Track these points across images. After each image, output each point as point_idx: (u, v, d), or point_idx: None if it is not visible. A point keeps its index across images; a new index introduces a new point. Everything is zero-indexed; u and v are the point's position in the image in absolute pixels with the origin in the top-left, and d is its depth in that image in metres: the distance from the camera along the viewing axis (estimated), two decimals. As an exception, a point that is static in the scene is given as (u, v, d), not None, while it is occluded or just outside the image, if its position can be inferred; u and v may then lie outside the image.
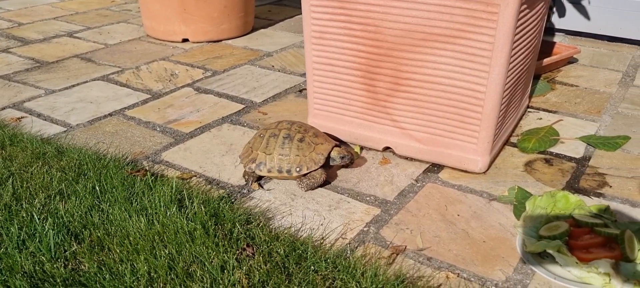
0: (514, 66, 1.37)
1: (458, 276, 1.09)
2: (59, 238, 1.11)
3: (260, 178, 1.41)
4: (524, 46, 1.42)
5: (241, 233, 1.13)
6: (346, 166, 1.48)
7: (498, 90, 1.32)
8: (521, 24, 1.32)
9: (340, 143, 1.54)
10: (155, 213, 1.17)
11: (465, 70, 1.33)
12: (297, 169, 1.34)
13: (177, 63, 2.27)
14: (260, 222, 1.20)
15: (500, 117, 1.40)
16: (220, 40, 2.56)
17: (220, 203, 1.24)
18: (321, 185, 1.38)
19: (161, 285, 0.99)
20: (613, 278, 1.03)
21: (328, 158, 1.39)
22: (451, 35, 1.31)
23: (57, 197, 1.24)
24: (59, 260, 1.06)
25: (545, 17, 1.67)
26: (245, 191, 1.37)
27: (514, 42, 1.30)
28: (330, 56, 1.49)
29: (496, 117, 1.36)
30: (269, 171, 1.36)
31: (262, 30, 2.78)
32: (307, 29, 1.49)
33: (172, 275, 1.01)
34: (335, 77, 1.51)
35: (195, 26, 2.46)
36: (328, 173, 1.40)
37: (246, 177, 1.40)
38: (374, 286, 1.00)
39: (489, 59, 1.29)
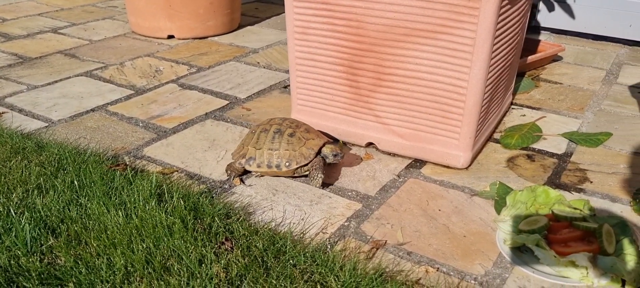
0: (496, 62, 1.38)
1: (437, 270, 1.09)
2: (35, 232, 1.10)
3: (244, 174, 1.40)
4: (506, 42, 1.42)
5: (220, 227, 1.13)
6: (340, 163, 1.46)
7: (480, 85, 1.32)
8: (503, 20, 1.32)
9: (334, 141, 1.51)
10: (134, 207, 1.16)
11: (447, 65, 1.33)
12: (287, 164, 1.33)
13: (161, 59, 2.26)
14: (240, 216, 1.19)
15: (482, 112, 1.40)
16: (206, 37, 2.55)
17: (201, 198, 1.23)
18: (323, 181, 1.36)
19: (138, 279, 0.98)
20: (590, 271, 1.04)
21: (319, 153, 1.37)
22: (433, 30, 1.31)
23: (35, 192, 1.23)
24: (35, 254, 1.05)
25: (528, 14, 1.67)
26: (226, 186, 1.36)
27: (496, 38, 1.30)
28: (312, 52, 1.48)
29: (478, 112, 1.36)
30: (259, 166, 1.34)
31: (249, 27, 2.77)
32: (289, 25, 1.49)
33: (149, 269, 1.00)
34: (318, 72, 1.51)
35: (181, 22, 2.45)
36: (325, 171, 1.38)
37: (229, 172, 1.39)
38: (352, 280, 1.00)
39: (471, 55, 1.29)
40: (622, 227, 1.15)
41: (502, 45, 1.39)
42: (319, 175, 1.34)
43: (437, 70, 1.34)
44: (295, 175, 1.38)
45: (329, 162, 1.39)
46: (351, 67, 1.45)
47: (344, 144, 1.57)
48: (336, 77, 1.48)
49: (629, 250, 1.08)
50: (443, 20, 1.28)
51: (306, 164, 1.34)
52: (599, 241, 1.09)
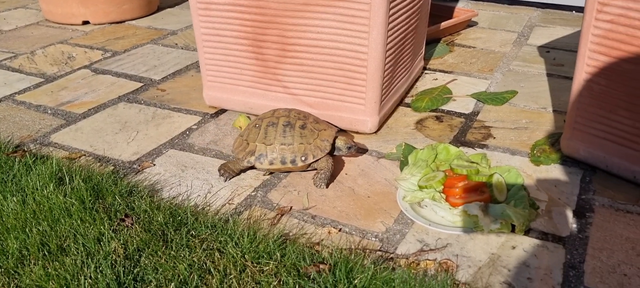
0: (396, 26, 1.41)
1: (340, 231, 1.12)
2: None
3: (239, 173, 1.30)
4: (405, 7, 1.45)
5: (121, 205, 1.12)
6: (354, 156, 1.37)
7: (380, 49, 1.35)
8: (398, -16, 1.35)
9: (340, 130, 1.41)
10: (32, 193, 1.14)
11: (347, 32, 1.35)
12: (303, 158, 1.25)
13: (75, 46, 2.20)
14: (143, 193, 1.19)
15: (386, 77, 1.43)
16: (124, 21, 2.49)
17: (103, 178, 1.22)
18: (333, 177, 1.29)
19: (33, 261, 0.97)
20: (481, 219, 1.08)
21: (333, 145, 1.30)
22: (330, -2, 1.32)
23: None
24: None
25: (432, -21, 1.71)
26: (136, 166, 1.35)
27: (392, 3, 1.33)
28: (217, 27, 1.48)
29: (381, 77, 1.39)
30: (271, 163, 1.25)
31: (169, 9, 2.73)
32: (193, 1, 1.48)
33: (45, 251, 0.99)
34: (224, 47, 1.50)
35: (95, 7, 2.39)
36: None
37: (222, 171, 1.28)
38: (251, 245, 1.01)
39: (368, 20, 1.31)
40: (515, 176, 1.20)
41: (401, 10, 1.42)
42: (325, 181, 1.25)
43: (337, 37, 1.36)
44: (307, 169, 1.30)
45: (341, 155, 1.33)
46: (256, 40, 1.45)
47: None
48: (242, 51, 1.49)
49: (518, 197, 1.14)
50: (339, -13, 1.30)
51: (322, 157, 1.27)
52: (490, 191, 1.14)
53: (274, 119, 1.29)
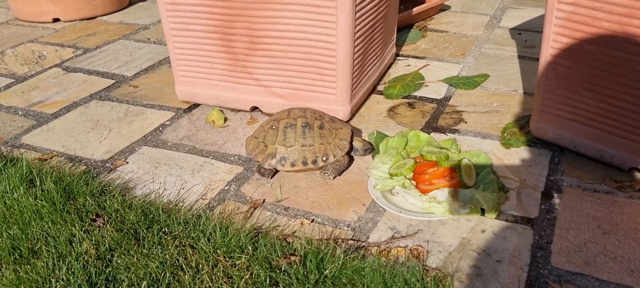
0: (364, 15, 1.41)
1: (312, 221, 1.13)
2: None
3: (276, 171, 1.30)
4: (374, -5, 1.46)
5: (92, 205, 1.12)
6: (366, 155, 1.35)
7: (348, 39, 1.35)
8: (365, -27, 1.35)
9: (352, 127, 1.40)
10: (2, 197, 1.13)
11: (314, 22, 1.35)
12: (324, 158, 1.25)
13: (46, 44, 2.17)
14: (115, 193, 1.18)
15: (356, 66, 1.44)
16: (95, 17, 2.47)
17: (74, 179, 1.21)
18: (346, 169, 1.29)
19: (4, 266, 0.97)
20: (450, 204, 1.10)
21: (350, 143, 1.31)
22: (297, -11, 1.32)
23: None
24: None
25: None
26: (108, 165, 1.35)
27: (359, -9, 1.34)
28: (186, 21, 1.47)
29: (351, 66, 1.40)
30: (293, 165, 1.25)
31: (141, 3, 2.71)
32: (160, -5, 1.47)
33: (16, 255, 0.99)
34: (194, 41, 1.50)
35: (65, 4, 2.36)
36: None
37: (262, 171, 1.27)
38: (223, 240, 1.02)
39: (335, 10, 1.31)
40: (484, 160, 1.22)
41: (369, -2, 1.43)
42: (336, 172, 1.26)
43: (305, 28, 1.36)
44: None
45: (357, 155, 1.34)
46: (225, 33, 1.45)
47: (225, 119, 1.57)
48: (212, 45, 1.48)
49: (487, 181, 1.16)
50: (306, -22, 1.30)
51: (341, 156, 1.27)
52: (459, 176, 1.15)
53: (291, 119, 1.29)
